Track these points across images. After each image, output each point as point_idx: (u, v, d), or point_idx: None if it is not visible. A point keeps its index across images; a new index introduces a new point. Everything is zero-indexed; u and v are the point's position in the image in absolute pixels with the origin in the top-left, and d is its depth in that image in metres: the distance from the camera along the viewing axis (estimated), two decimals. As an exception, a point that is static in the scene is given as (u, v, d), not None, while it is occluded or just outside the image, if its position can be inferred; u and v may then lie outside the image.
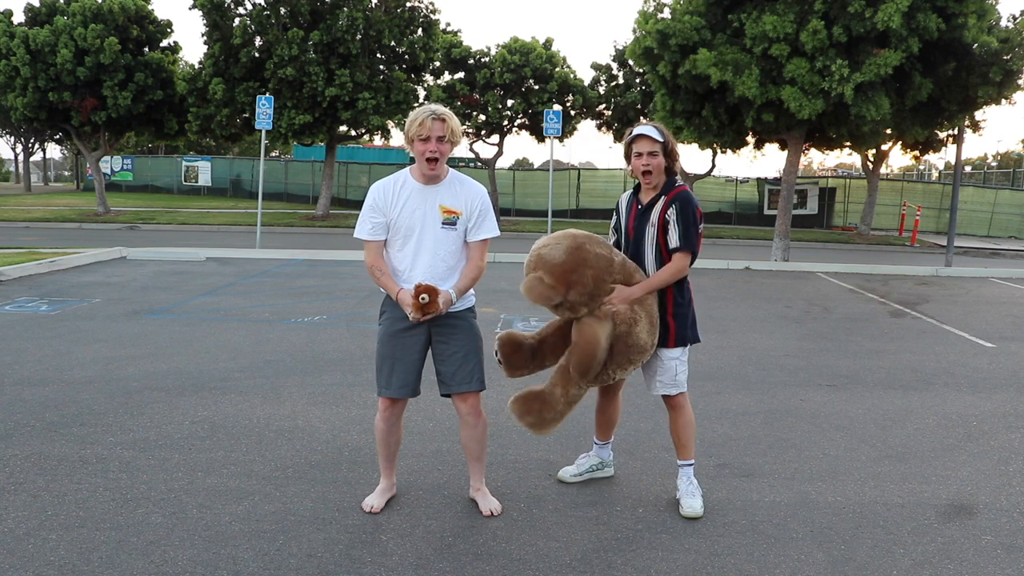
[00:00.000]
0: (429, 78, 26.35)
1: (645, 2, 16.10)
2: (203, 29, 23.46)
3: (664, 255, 3.64)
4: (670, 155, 3.64)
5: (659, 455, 4.47)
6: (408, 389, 3.53)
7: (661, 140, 3.60)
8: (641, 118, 26.87)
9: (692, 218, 3.61)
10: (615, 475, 4.14)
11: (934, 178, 47.56)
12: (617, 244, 3.87)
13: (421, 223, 3.39)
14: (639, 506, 3.77)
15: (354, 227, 3.58)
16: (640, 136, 3.62)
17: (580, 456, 4.18)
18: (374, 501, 3.63)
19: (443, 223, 3.39)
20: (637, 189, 3.81)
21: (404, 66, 24.90)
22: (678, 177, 3.75)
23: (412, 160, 3.49)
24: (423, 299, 3.27)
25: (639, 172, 3.66)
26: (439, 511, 3.64)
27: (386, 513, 3.60)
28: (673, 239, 3.60)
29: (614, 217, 3.93)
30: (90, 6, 23.36)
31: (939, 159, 52.10)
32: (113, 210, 26.46)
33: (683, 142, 18.11)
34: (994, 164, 58.06)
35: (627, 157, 3.72)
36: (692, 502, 3.70)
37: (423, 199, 3.40)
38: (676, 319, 3.69)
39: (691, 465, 3.80)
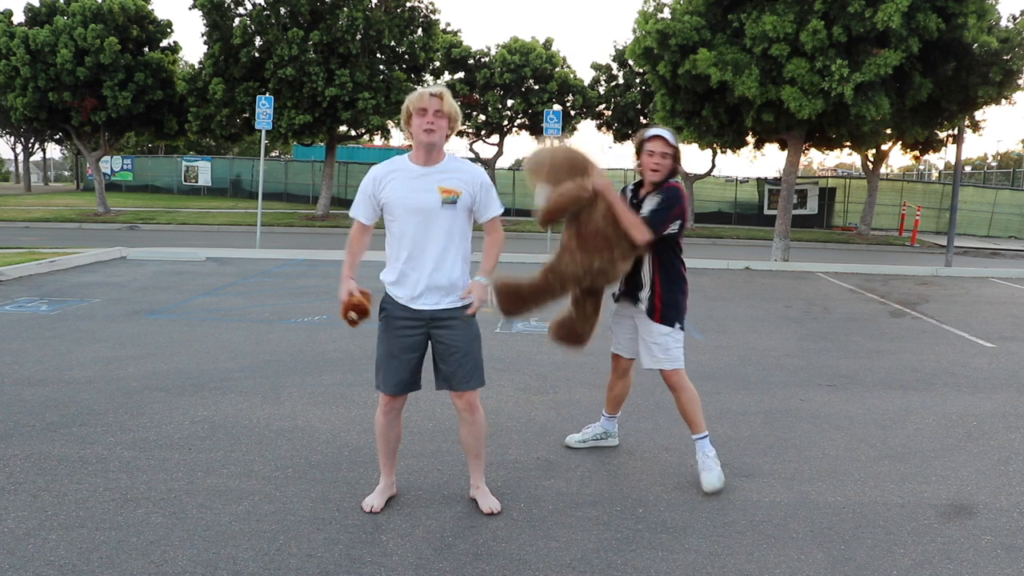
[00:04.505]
0: (429, 78, 26.36)
1: (645, 2, 16.11)
2: (203, 29, 23.47)
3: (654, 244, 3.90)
4: (676, 160, 3.89)
5: (659, 455, 4.47)
6: (403, 386, 3.52)
7: (674, 144, 3.86)
8: (641, 118, 26.90)
9: (667, 205, 3.81)
10: (615, 475, 4.15)
11: (934, 178, 47.58)
12: None
13: (421, 206, 3.37)
14: (639, 506, 3.77)
15: None
16: (657, 136, 3.83)
17: (586, 426, 4.56)
18: (374, 501, 3.63)
19: (443, 203, 3.38)
20: (639, 185, 3.99)
21: (404, 66, 24.90)
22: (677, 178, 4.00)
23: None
24: (351, 317, 3.38)
25: (648, 170, 3.85)
26: (439, 511, 3.64)
27: (386, 513, 3.60)
28: (644, 211, 3.84)
29: None
30: (90, 6, 23.36)
31: (939, 159, 52.15)
32: (113, 210, 26.47)
33: (683, 142, 18.12)
34: (994, 164, 58.07)
35: (638, 153, 3.91)
36: (709, 477, 3.92)
37: (422, 182, 3.38)
38: (662, 299, 3.96)
39: (705, 437, 4.04)
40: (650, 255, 3.94)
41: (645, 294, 3.98)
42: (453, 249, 3.43)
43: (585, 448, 4.49)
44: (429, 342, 3.52)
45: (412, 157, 3.44)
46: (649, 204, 3.85)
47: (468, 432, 3.63)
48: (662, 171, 3.83)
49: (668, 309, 3.97)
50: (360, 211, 3.49)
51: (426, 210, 3.37)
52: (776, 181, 27.21)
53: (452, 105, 3.37)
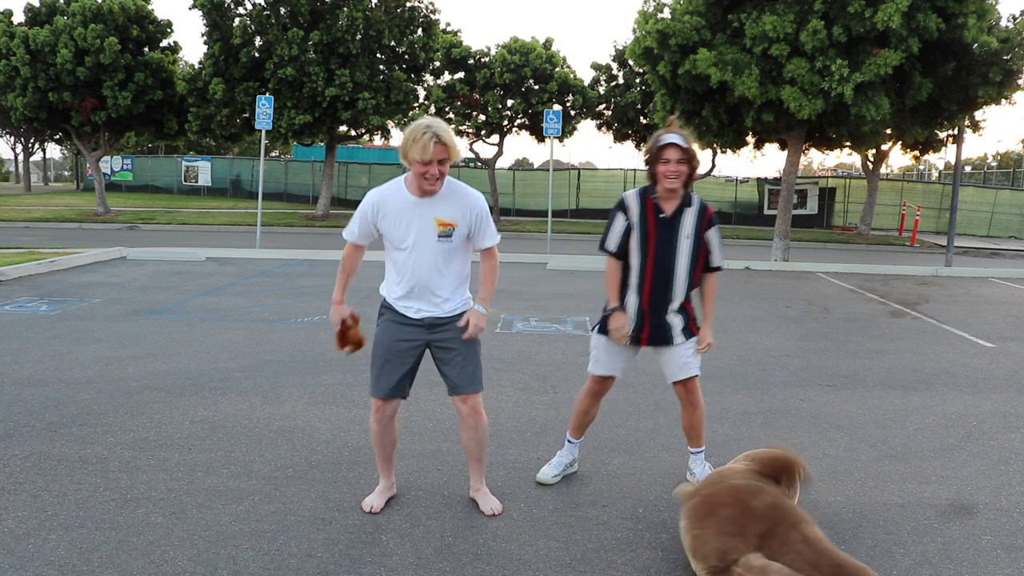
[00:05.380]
0: (429, 78, 26.35)
1: (645, 2, 16.10)
2: (203, 29, 23.47)
3: (698, 266, 3.82)
4: (692, 163, 3.68)
5: (659, 455, 4.46)
6: (394, 391, 3.51)
7: (689, 149, 3.64)
8: (641, 118, 26.88)
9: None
10: (615, 475, 4.15)
11: (934, 178, 47.56)
12: (624, 247, 3.81)
13: (417, 237, 3.35)
14: (639, 506, 3.77)
15: None
16: (670, 144, 3.61)
17: (555, 456, 4.15)
18: (374, 501, 3.63)
19: (439, 236, 3.35)
20: (647, 191, 3.77)
21: (404, 66, 24.90)
22: (692, 187, 3.83)
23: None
24: (347, 352, 3.63)
25: (665, 179, 3.63)
26: (439, 511, 3.64)
27: (386, 513, 3.60)
28: (717, 259, 3.86)
29: (621, 219, 3.79)
30: (90, 6, 23.36)
31: (939, 159, 52.16)
32: (113, 210, 26.46)
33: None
34: (994, 164, 58.07)
35: (652, 163, 3.67)
36: None
37: (418, 213, 3.34)
38: (695, 316, 3.95)
39: (703, 451, 4.08)
40: (690, 285, 3.82)
41: (679, 326, 3.83)
42: (451, 277, 3.45)
43: (585, 448, 4.47)
44: (427, 350, 3.54)
45: (410, 186, 3.36)
46: (715, 249, 3.82)
47: (470, 437, 3.62)
48: (681, 178, 3.64)
49: (696, 321, 3.94)
50: (357, 234, 3.47)
51: (423, 243, 3.36)
52: (776, 181, 27.21)
53: (455, 146, 3.22)
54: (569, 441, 4.12)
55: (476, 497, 3.72)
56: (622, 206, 3.80)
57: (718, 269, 3.87)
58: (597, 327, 3.97)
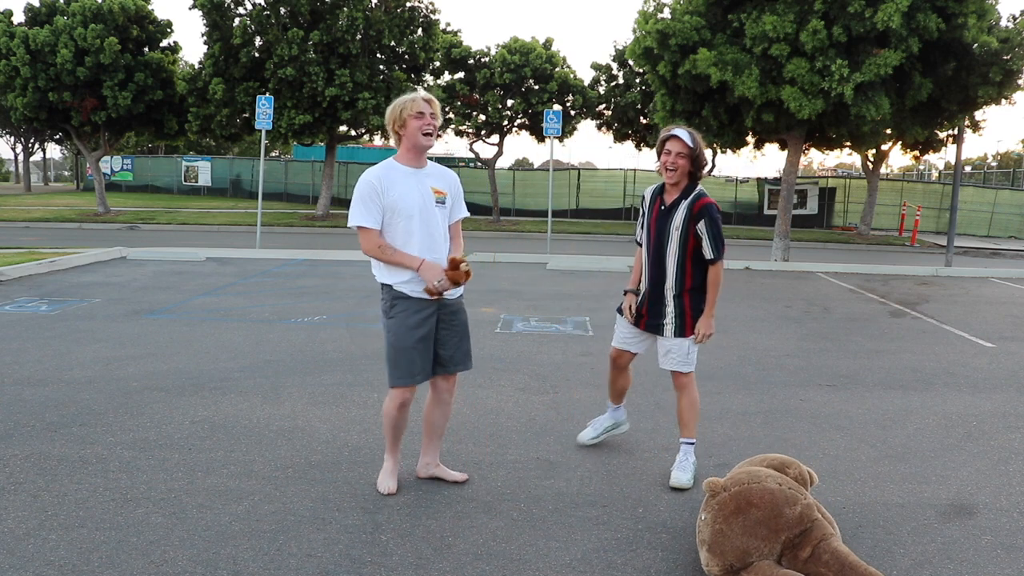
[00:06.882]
0: (429, 78, 26.35)
1: (645, 2, 16.10)
2: (203, 29, 23.47)
3: (688, 258, 3.97)
4: (697, 162, 3.92)
5: (659, 455, 4.47)
6: (429, 373, 3.70)
7: (691, 145, 3.88)
8: (641, 118, 26.89)
9: (719, 228, 3.96)
10: (615, 475, 4.15)
11: (934, 178, 47.58)
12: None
13: (420, 204, 3.55)
14: (639, 506, 3.77)
15: None
16: (673, 137, 3.89)
17: (594, 420, 4.51)
18: (389, 483, 3.77)
19: (437, 202, 3.61)
20: (662, 185, 4.07)
21: (404, 66, 24.91)
22: (700, 185, 4.03)
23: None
24: (465, 267, 3.53)
25: (664, 169, 3.93)
26: (439, 511, 3.64)
27: (386, 513, 3.60)
28: (708, 252, 3.95)
29: (641, 213, 4.18)
30: (90, 6, 23.36)
31: (939, 159, 52.19)
32: (113, 210, 26.47)
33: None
34: (994, 164, 58.07)
35: (658, 154, 3.99)
36: (680, 475, 4.01)
37: (417, 182, 3.57)
38: (692, 315, 4.04)
39: (692, 444, 4.13)
40: (683, 277, 3.98)
41: (670, 320, 4.03)
42: (448, 243, 3.68)
43: (585, 448, 4.49)
44: None
45: (402, 160, 3.61)
46: (706, 242, 3.90)
47: (442, 413, 3.87)
48: (678, 171, 3.88)
49: (694, 320, 4.04)
50: (373, 219, 3.53)
51: (427, 209, 3.57)
52: (776, 181, 27.21)
53: (435, 99, 3.62)
54: (610, 407, 4.45)
55: (438, 473, 3.93)
56: (642, 198, 4.18)
57: (712, 262, 3.96)
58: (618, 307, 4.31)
